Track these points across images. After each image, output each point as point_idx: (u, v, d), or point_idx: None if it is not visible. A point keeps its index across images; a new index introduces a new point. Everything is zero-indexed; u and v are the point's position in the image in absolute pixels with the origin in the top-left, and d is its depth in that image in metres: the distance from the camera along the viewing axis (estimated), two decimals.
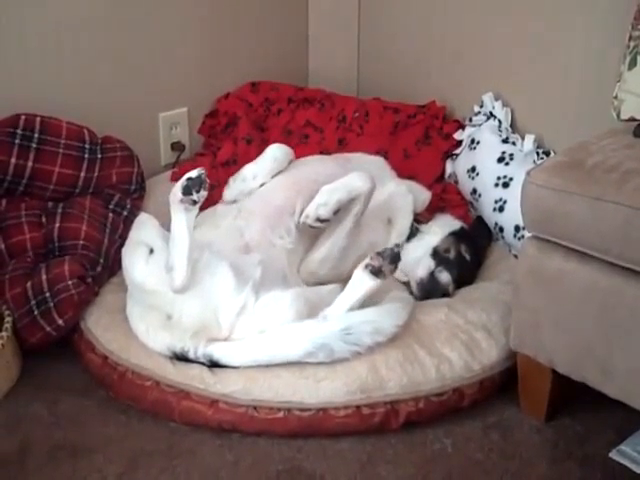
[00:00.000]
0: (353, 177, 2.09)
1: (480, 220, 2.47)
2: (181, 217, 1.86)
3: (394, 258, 1.91)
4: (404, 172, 2.53)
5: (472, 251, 2.28)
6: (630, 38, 1.88)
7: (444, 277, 2.18)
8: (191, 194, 1.83)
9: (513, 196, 2.33)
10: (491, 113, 2.58)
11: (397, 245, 1.96)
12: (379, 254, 1.91)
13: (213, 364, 1.86)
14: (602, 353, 1.64)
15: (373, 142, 2.69)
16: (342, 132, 2.76)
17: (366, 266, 1.92)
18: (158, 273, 1.88)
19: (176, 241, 1.86)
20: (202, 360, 1.86)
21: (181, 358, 1.88)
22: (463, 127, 2.68)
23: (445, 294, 2.16)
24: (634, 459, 1.74)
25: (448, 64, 2.77)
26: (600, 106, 2.01)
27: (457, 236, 2.29)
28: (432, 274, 2.18)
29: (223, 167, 2.67)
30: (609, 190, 1.56)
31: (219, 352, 1.86)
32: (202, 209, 2.54)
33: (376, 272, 1.91)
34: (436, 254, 2.23)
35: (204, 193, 1.85)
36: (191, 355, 1.86)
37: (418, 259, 2.22)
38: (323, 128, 2.78)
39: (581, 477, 1.71)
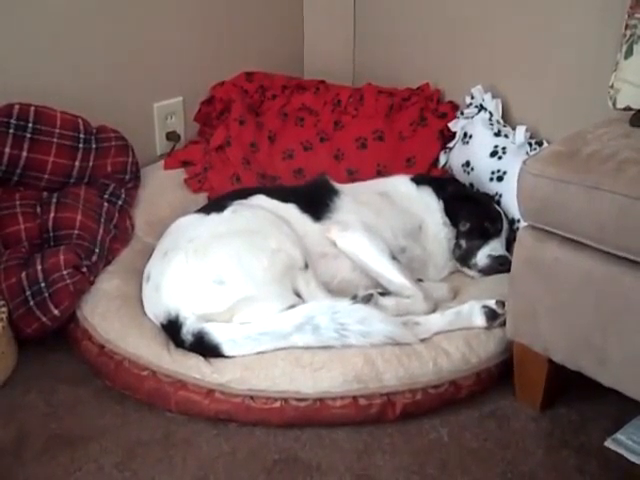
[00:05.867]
0: (418, 302, 2.05)
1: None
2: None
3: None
4: (401, 154, 2.51)
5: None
6: (626, 27, 1.88)
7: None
8: None
9: (507, 190, 2.34)
10: (481, 105, 2.58)
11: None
12: (504, 305, 1.93)
13: (199, 340, 1.86)
14: (598, 342, 1.65)
15: (368, 124, 2.69)
16: (338, 115, 2.76)
17: (484, 306, 1.95)
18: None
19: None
20: (189, 335, 1.87)
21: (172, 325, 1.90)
22: (457, 108, 2.68)
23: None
24: (629, 447, 1.75)
25: (444, 52, 2.76)
26: (596, 95, 2.01)
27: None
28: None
29: (216, 152, 2.67)
30: (605, 179, 1.56)
31: (210, 327, 1.87)
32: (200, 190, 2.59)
33: (491, 317, 1.94)
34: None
35: None
36: (186, 323, 1.87)
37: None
38: (318, 111, 2.78)
39: (576, 465, 1.72)
